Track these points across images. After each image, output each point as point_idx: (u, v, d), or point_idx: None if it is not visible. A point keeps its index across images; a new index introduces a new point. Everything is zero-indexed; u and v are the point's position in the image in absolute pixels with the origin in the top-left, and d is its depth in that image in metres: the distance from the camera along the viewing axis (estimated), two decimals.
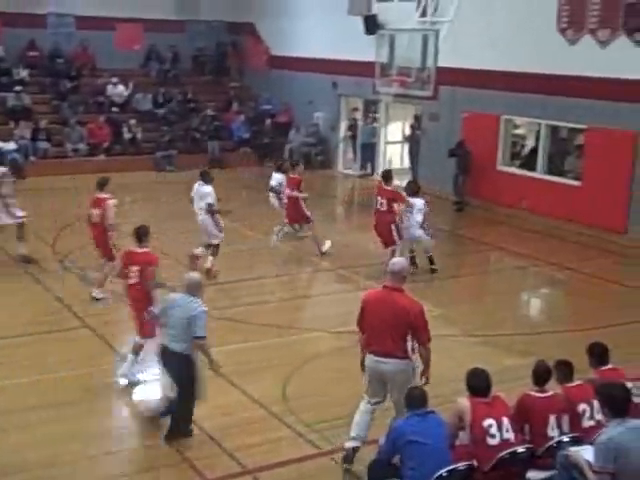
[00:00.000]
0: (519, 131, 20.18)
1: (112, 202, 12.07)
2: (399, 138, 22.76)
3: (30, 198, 19.59)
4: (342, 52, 22.25)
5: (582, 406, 7.00)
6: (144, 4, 24.76)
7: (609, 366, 7.47)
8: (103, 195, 12.14)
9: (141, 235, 9.45)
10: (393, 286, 7.42)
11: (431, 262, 14.00)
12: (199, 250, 13.48)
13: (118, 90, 24.56)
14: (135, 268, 9.23)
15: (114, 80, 24.54)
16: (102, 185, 12.25)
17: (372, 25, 21.01)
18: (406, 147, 22.54)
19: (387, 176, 13.97)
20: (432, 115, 20.49)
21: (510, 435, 6.64)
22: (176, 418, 8.08)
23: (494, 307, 12.68)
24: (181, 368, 7.88)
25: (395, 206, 13.34)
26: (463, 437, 6.82)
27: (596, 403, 6.91)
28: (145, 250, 9.39)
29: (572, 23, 17.05)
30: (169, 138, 23.60)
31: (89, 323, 11.14)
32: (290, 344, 10.78)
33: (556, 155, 18.51)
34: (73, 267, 13.75)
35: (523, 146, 20.14)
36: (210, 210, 13.19)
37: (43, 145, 22.32)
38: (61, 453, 7.83)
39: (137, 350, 9.37)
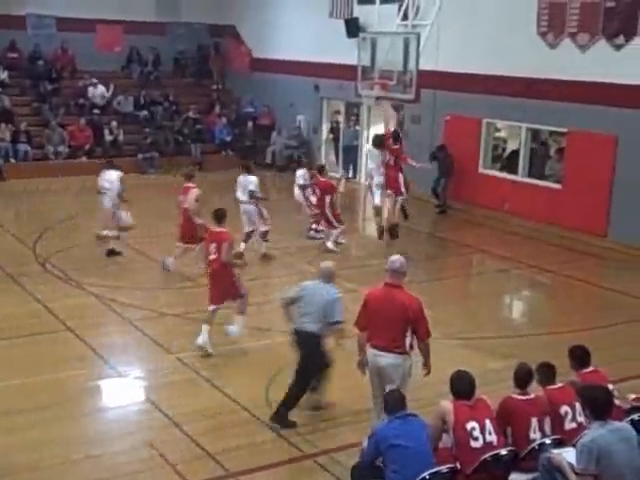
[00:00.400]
0: (501, 134, 20.27)
1: (195, 191, 13.56)
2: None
3: (10, 201, 19.58)
4: (324, 55, 22.27)
5: (564, 408, 7.03)
6: (125, 6, 24.65)
7: (591, 368, 7.51)
8: (190, 184, 13.73)
9: (219, 217, 10.71)
10: (393, 283, 7.68)
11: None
12: (242, 247, 14.47)
13: (99, 91, 24.41)
14: (213, 245, 10.42)
15: (94, 81, 24.39)
16: (190, 177, 14.04)
17: (354, 28, 21.02)
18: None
19: (396, 136, 15.89)
20: (414, 118, 20.55)
21: (493, 437, 6.67)
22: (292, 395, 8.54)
23: (477, 310, 12.72)
24: (315, 347, 8.43)
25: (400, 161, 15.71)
26: (446, 440, 6.83)
27: (578, 405, 6.96)
28: (221, 229, 10.59)
29: (552, 27, 17.15)
30: (151, 140, 23.53)
31: (71, 326, 11.08)
32: (272, 347, 10.75)
33: (537, 158, 18.60)
34: (55, 270, 13.67)
35: (504, 149, 20.24)
36: (252, 196, 14.40)
37: (23, 147, 22.17)
38: (46, 456, 7.80)
39: (210, 319, 10.43)
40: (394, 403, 6.74)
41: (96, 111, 23.97)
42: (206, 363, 10.01)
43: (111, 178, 14.52)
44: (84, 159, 22.70)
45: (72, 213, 17.82)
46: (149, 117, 24.65)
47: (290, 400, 8.47)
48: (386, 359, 7.59)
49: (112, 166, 14.97)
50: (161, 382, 9.68)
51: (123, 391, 9.58)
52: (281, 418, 8.43)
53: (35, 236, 15.60)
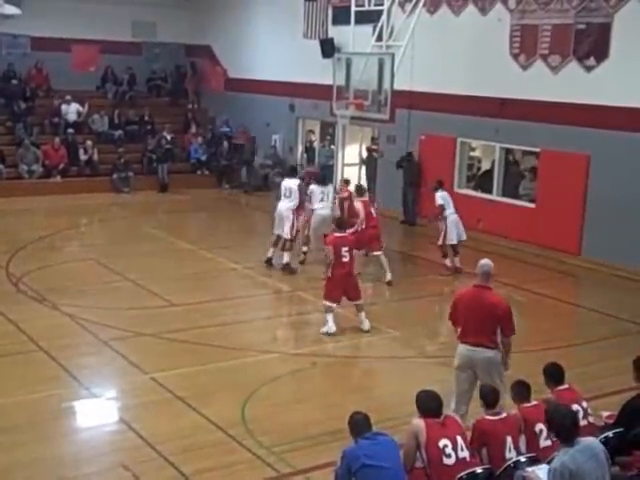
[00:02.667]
0: (475, 153, 20.42)
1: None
2: (356, 160, 22.86)
3: None
4: (299, 75, 22.37)
5: (539, 426, 7.03)
6: (100, 26, 24.66)
7: (565, 386, 7.55)
8: (366, 198, 15.19)
9: (342, 224, 12.41)
10: (483, 285, 8.46)
11: None
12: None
13: (72, 107, 24.27)
14: (345, 249, 11.79)
15: (67, 97, 24.26)
16: (362, 191, 15.45)
17: (329, 48, 21.16)
18: (363, 169, 22.65)
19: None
20: (389, 138, 20.67)
21: (465, 454, 6.64)
22: None
23: (452, 328, 12.72)
24: None
25: None
26: (417, 458, 6.80)
27: None
28: (348, 234, 12.39)
29: (524, 49, 17.36)
30: (125, 160, 23.45)
31: (44, 346, 10.97)
32: (248, 366, 10.73)
33: (511, 177, 18.76)
34: (28, 290, 13.55)
35: (479, 169, 20.39)
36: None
37: None
38: (18, 479, 7.68)
39: (360, 309, 12.08)
40: (357, 425, 6.59)
41: (71, 130, 23.86)
42: (181, 383, 9.96)
43: (291, 185, 15.26)
44: (58, 178, 22.59)
45: (46, 233, 17.69)
46: (124, 136, 24.59)
47: None
48: (479, 354, 8.29)
49: (294, 174, 16.14)
50: (135, 402, 9.61)
51: (97, 412, 9.48)
52: None
53: (8, 256, 15.45)
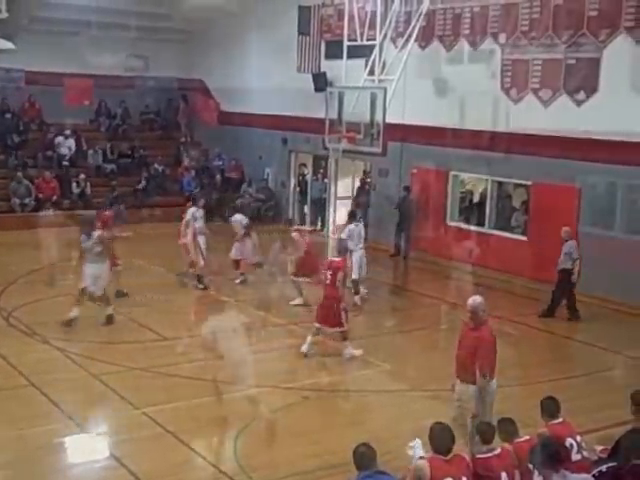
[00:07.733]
0: (467, 186, 20.52)
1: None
2: (348, 194, 22.93)
3: None
4: (292, 108, 22.50)
5: None
6: (94, 60, 24.77)
7: (559, 420, 7.53)
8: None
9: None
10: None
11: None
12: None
13: (68, 143, 24.36)
14: (329, 272, 12.18)
15: (67, 132, 24.39)
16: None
17: (321, 82, 21.32)
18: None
19: None
20: (381, 171, 20.76)
21: None
22: None
23: (444, 361, 12.62)
24: None
25: None
26: None
27: None
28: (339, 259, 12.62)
29: (515, 83, 17.55)
30: (117, 193, 23.43)
31: (34, 382, 10.89)
32: (239, 400, 10.65)
33: (503, 210, 18.85)
34: (19, 324, 13.48)
35: (471, 201, 20.48)
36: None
37: None
38: None
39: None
40: (362, 458, 6.37)
41: (64, 163, 23.90)
42: (172, 418, 9.88)
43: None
44: (50, 212, 22.56)
45: (38, 266, 17.62)
46: (116, 170, 24.63)
47: None
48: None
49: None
50: (126, 438, 9.51)
51: (88, 448, 9.39)
52: None
53: None
